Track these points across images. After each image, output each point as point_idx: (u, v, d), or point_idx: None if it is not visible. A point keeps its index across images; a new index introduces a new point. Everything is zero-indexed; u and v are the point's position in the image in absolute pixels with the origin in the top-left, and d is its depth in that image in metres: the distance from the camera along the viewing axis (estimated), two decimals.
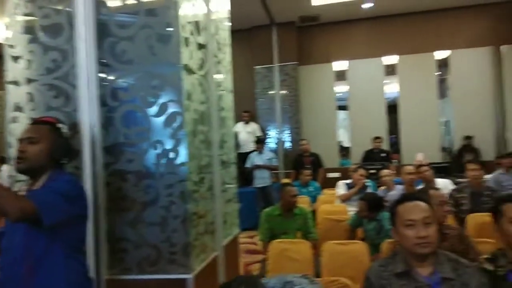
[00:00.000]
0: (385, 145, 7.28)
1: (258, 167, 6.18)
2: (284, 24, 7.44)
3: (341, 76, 7.77)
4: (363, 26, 7.56)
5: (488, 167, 5.33)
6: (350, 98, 7.69)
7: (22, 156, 1.47)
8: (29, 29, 1.83)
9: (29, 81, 1.82)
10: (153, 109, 1.74)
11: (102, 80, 1.76)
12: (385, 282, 1.57)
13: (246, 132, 7.21)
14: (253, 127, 7.29)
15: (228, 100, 2.41)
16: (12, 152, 1.85)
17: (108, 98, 1.76)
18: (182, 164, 1.72)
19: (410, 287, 1.53)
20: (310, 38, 7.76)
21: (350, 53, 7.62)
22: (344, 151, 8.21)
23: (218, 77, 2.18)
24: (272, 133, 7.60)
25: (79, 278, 1.51)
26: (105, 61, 1.75)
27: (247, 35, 7.73)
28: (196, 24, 1.91)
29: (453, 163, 6.68)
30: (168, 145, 1.73)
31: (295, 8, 6.83)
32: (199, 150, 1.88)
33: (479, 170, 3.68)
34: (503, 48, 7.07)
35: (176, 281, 1.72)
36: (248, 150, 6.88)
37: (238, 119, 7.29)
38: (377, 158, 6.59)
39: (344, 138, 8.28)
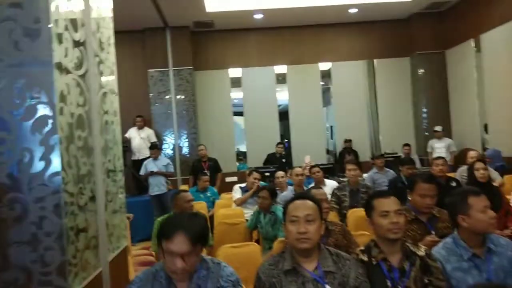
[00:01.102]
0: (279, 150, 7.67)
1: (153, 174, 5.94)
2: (178, 28, 7.34)
3: (236, 83, 7.94)
4: (256, 36, 7.86)
5: (365, 167, 5.97)
6: (245, 104, 7.91)
7: None
8: None
9: None
10: (19, 112, 1.52)
11: None
12: (275, 280, 1.62)
13: (140, 138, 6.89)
14: (148, 132, 7.00)
15: (113, 103, 2.24)
16: None
17: None
18: (56, 173, 1.53)
19: (298, 283, 1.60)
20: (206, 44, 7.77)
21: (244, 60, 7.84)
22: (242, 156, 8.40)
23: (99, 78, 2.01)
24: (169, 139, 7.39)
25: None
26: None
27: (140, 36, 7.42)
28: (72, 19, 1.74)
29: (336, 164, 7.33)
30: (38, 152, 1.52)
31: (189, 13, 6.78)
32: (77, 158, 1.70)
33: (356, 170, 4.09)
34: (376, 61, 8.02)
35: None
36: (142, 157, 6.58)
37: (131, 124, 6.94)
38: (279, 162, 6.89)
39: (241, 143, 8.47)
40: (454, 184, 3.86)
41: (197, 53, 7.65)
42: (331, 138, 8.64)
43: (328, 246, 1.75)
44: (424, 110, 7.73)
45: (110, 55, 2.26)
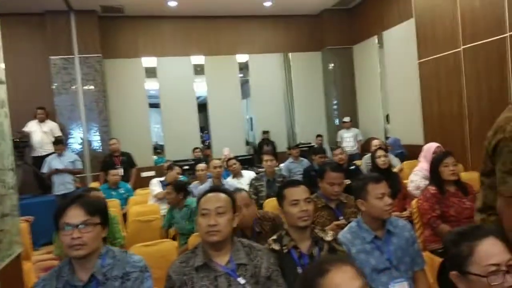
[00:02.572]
0: (198, 142, 7.59)
1: (58, 171, 5.43)
2: (84, 12, 6.77)
3: (152, 72, 7.60)
4: (170, 24, 7.58)
5: (282, 157, 6.15)
6: (161, 95, 7.62)
7: None
8: None
9: None
10: None
11: None
12: (187, 278, 1.56)
13: (42, 132, 6.24)
14: (51, 126, 6.37)
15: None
16: None
17: None
18: None
19: (210, 278, 1.56)
20: (116, 31, 7.29)
21: (159, 49, 7.53)
22: (159, 149, 8.10)
23: None
24: (76, 133, 6.83)
25: None
26: None
27: (40, 20, 6.68)
28: None
29: (255, 155, 7.45)
30: None
31: None
32: None
33: (272, 161, 4.19)
34: (291, 55, 8.28)
35: None
36: (45, 153, 5.98)
37: (31, 117, 6.29)
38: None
39: (157, 136, 8.16)
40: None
41: (106, 40, 7.13)
42: (251, 130, 8.75)
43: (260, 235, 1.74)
44: (335, 102, 8.20)
45: None
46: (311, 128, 8.12)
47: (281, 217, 2.74)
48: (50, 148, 5.92)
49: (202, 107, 8.09)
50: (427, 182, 3.06)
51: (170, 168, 4.90)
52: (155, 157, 7.77)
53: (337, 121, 8.14)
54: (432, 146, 3.54)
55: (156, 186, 4.60)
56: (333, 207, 2.62)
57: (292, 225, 1.83)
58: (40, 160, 5.85)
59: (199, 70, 7.86)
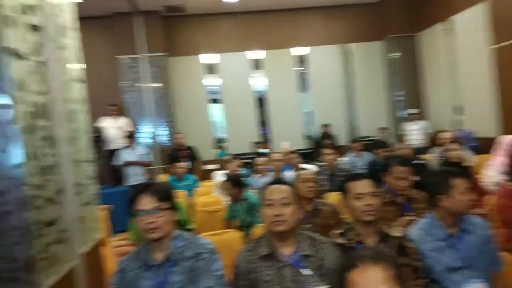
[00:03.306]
0: (257, 136, 7.68)
1: (130, 163, 5.82)
2: (149, 13, 7.12)
3: (213, 69, 7.82)
4: (229, 20, 7.72)
5: (342, 150, 6.02)
6: (223, 90, 7.82)
7: None
8: None
9: None
10: None
11: None
12: (253, 266, 1.61)
13: (115, 127, 6.71)
14: (123, 121, 6.83)
15: (79, 91, 2.15)
16: None
17: None
18: (17, 166, 1.45)
19: (275, 268, 1.59)
20: (179, 29, 7.59)
21: (219, 46, 7.71)
22: (221, 143, 8.33)
23: (63, 65, 1.91)
24: (145, 128, 7.25)
25: None
26: None
27: (109, 22, 7.16)
28: (29, 3, 1.63)
29: (315, 149, 7.36)
30: None
31: None
32: (41, 149, 1.62)
33: (333, 154, 4.12)
34: (353, 45, 8.03)
35: None
36: (118, 147, 6.43)
37: (102, 113, 6.76)
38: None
39: (220, 130, 8.39)
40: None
41: (170, 38, 7.47)
42: (310, 124, 8.66)
43: (313, 227, 1.75)
44: (399, 93, 7.82)
45: (75, 41, 2.15)
46: (373, 121, 7.83)
47: (339, 210, 2.73)
48: (122, 142, 6.36)
49: (261, 101, 8.15)
50: (505, 177, 2.82)
51: (230, 161, 5.02)
52: (218, 150, 8.01)
53: (401, 113, 7.77)
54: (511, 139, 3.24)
55: (220, 177, 4.76)
56: (400, 202, 2.52)
57: (357, 220, 1.80)
58: (114, 153, 6.30)
59: (258, 64, 7.93)
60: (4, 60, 1.41)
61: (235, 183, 3.63)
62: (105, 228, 3.33)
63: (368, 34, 7.94)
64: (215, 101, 8.13)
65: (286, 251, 1.62)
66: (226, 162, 5.34)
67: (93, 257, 2.11)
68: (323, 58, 7.95)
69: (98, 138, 6.63)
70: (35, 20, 1.66)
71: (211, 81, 7.95)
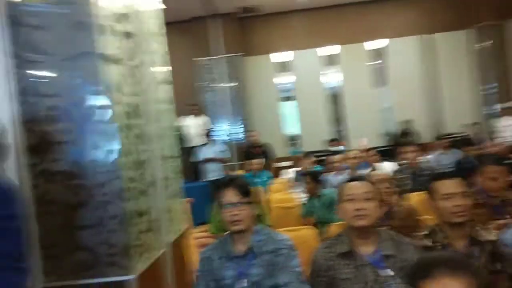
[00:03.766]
0: (330, 134, 7.52)
1: (209, 160, 6.10)
2: (224, 15, 7.37)
3: (286, 66, 7.85)
4: (302, 17, 7.67)
5: (425, 148, 5.65)
6: (296, 88, 7.81)
7: None
8: None
9: None
10: (78, 104, 1.61)
11: (20, 75, 1.59)
12: (331, 264, 1.59)
13: (195, 125, 7.09)
14: (203, 119, 7.19)
15: (167, 92, 2.31)
16: None
17: (28, 94, 1.61)
18: (115, 160, 1.61)
19: (353, 266, 1.56)
20: (253, 29, 7.75)
21: (292, 43, 7.71)
22: (294, 141, 8.34)
23: (152, 68, 2.07)
24: (222, 126, 7.53)
25: None
26: (21, 55, 1.59)
27: (186, 27, 7.56)
28: (123, 12, 1.80)
29: (394, 146, 7.01)
30: (99, 141, 1.61)
31: None
32: (135, 145, 1.77)
33: (415, 152, 3.88)
34: (437, 35, 7.48)
35: (116, 284, 1.62)
36: (199, 144, 6.77)
37: (180, 112, 7.14)
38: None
39: (293, 127, 8.40)
40: None
41: (245, 39, 7.66)
42: (389, 120, 8.28)
43: (388, 229, 1.68)
44: (488, 86, 7.11)
45: (162, 45, 2.32)
46: (458, 116, 7.23)
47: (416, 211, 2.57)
48: (202, 139, 6.68)
49: (336, 98, 7.99)
50: None
51: (304, 158, 5.00)
52: (290, 148, 8.03)
53: (490, 108, 7.05)
54: None
55: (291, 175, 4.78)
56: (493, 204, 2.30)
57: (445, 221, 1.68)
58: (194, 150, 6.65)
59: (332, 60, 7.78)
60: (103, 65, 1.57)
61: (313, 178, 3.66)
62: (188, 220, 3.53)
63: (453, 22, 7.34)
64: (287, 98, 8.16)
65: (366, 249, 1.58)
66: (298, 160, 5.34)
67: (179, 246, 2.26)
68: (402, 51, 7.54)
69: (182, 135, 7.04)
70: (128, 27, 1.81)
71: (284, 79, 7.99)
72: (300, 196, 4.29)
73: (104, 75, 1.58)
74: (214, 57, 7.47)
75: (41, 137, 1.61)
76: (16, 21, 1.58)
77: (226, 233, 1.77)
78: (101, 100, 1.59)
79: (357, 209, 1.56)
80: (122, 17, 1.78)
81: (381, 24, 7.55)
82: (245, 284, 1.62)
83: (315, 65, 7.69)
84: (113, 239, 1.64)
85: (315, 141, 7.30)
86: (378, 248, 1.57)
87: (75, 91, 1.60)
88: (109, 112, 1.59)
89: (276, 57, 7.80)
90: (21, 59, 1.59)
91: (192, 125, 7.11)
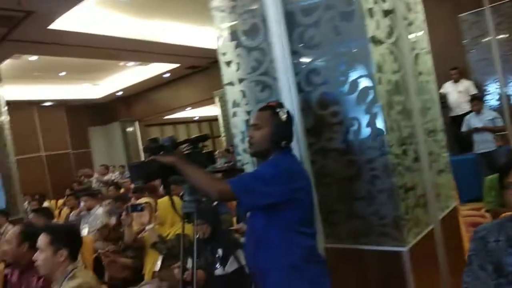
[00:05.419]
0: None
1: (478, 130, 5.37)
2: None
3: None
4: None
5: None
6: None
7: (251, 142, 1.57)
8: (233, 35, 2.10)
9: (240, 80, 2.11)
10: (345, 88, 1.76)
11: (296, 68, 1.88)
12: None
13: (457, 92, 6.35)
14: (465, 85, 6.33)
15: (426, 62, 2.19)
16: (237, 141, 2.22)
17: (303, 84, 1.89)
18: (381, 137, 1.69)
19: None
20: None
21: None
22: None
23: (410, 41, 2.00)
24: (492, 89, 6.41)
25: (295, 259, 1.50)
26: (296, 50, 1.87)
27: None
28: None
29: None
30: (364, 120, 1.72)
31: None
32: (398, 122, 1.79)
33: None
34: None
35: (390, 253, 1.72)
36: (462, 112, 6.06)
37: (443, 79, 6.51)
38: None
39: None
40: None
41: None
42: None
43: None
44: None
45: (419, 14, 2.21)
46: None
47: None
48: (466, 107, 5.94)
49: None
50: None
51: None
52: None
53: None
54: None
55: None
56: None
57: None
58: (458, 119, 5.99)
59: None
60: (368, 48, 1.65)
61: None
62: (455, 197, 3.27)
63: None
64: None
65: None
66: None
67: (450, 223, 2.15)
68: None
69: (442, 105, 6.48)
70: (386, 5, 1.83)
71: None
72: None
73: (366, 57, 1.67)
74: (477, 10, 6.39)
75: (317, 120, 1.86)
76: (290, 19, 1.85)
77: (504, 214, 1.55)
78: (365, 82, 1.69)
79: None
80: None
81: None
82: None
83: None
84: (383, 211, 1.74)
85: None
86: None
87: (341, 76, 1.77)
88: (373, 93, 1.67)
89: None
90: (297, 55, 1.87)
91: (453, 91, 6.40)
